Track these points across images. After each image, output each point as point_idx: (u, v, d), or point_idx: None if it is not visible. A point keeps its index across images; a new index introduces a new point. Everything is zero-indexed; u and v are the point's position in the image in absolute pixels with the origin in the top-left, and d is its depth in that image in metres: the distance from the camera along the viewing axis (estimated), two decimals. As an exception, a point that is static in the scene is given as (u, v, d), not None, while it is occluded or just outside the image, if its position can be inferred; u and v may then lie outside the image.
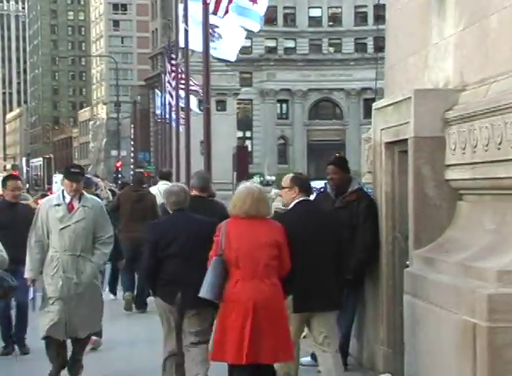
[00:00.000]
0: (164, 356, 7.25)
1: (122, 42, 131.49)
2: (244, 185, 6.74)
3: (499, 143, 6.00)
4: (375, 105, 8.36)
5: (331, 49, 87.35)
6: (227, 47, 26.72)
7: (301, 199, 7.28)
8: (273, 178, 72.51)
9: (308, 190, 7.46)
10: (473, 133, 6.43)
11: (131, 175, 53.07)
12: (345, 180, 8.42)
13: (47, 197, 8.49)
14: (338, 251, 7.10)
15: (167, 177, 15.80)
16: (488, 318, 5.42)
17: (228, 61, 35.13)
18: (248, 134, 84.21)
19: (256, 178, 68.30)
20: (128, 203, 13.09)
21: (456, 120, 6.78)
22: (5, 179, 10.00)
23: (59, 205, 8.05)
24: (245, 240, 6.42)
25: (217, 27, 24.11)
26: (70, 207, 8.06)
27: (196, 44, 24.97)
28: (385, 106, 7.98)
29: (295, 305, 6.96)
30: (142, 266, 7.97)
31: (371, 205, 8.22)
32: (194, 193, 8.61)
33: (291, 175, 7.89)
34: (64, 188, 8.14)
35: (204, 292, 6.42)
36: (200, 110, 29.55)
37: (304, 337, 9.97)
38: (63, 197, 8.10)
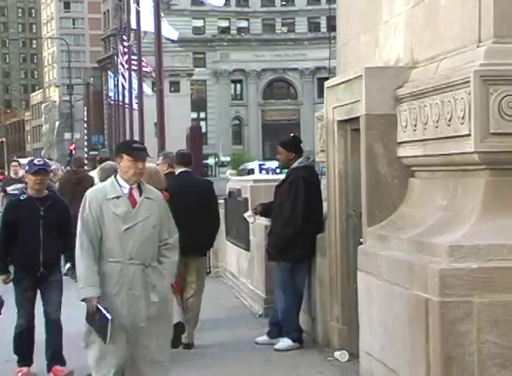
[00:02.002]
0: None
1: (73, 24, 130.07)
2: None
3: (450, 120, 6.04)
4: (327, 83, 8.37)
5: (284, 29, 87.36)
6: None
7: (179, 171, 9.08)
8: (228, 158, 72.65)
9: (182, 163, 9.14)
10: (423, 110, 6.46)
11: (75, 158, 52.59)
12: (288, 159, 8.79)
13: (94, 187, 6.34)
14: (208, 211, 8.92)
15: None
16: (440, 293, 5.47)
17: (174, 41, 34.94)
18: (202, 115, 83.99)
19: (211, 159, 68.22)
20: (69, 185, 13.51)
21: (406, 97, 6.81)
22: None
23: (117, 198, 5.96)
24: None
25: None
26: (132, 201, 5.99)
27: (147, 25, 24.80)
28: (337, 84, 7.99)
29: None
30: None
31: (293, 183, 8.49)
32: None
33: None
34: (120, 172, 6.04)
35: None
36: (154, 91, 29.38)
37: (259, 316, 10.04)
38: (119, 185, 6.02)
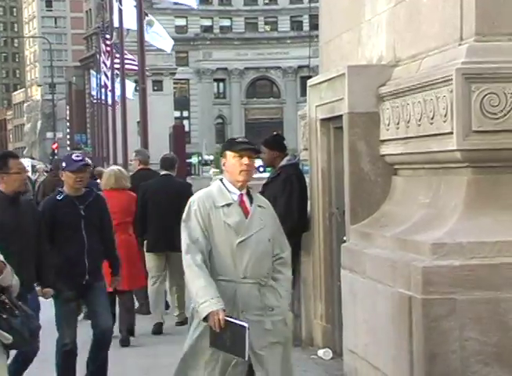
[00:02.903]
0: None
1: (55, 23, 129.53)
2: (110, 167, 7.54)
3: (432, 118, 6.06)
4: (310, 82, 8.38)
5: (267, 28, 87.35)
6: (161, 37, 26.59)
7: (161, 174, 9.97)
8: (211, 157, 72.54)
9: (163, 167, 10.01)
10: (406, 108, 6.48)
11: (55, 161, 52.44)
12: (273, 158, 8.71)
13: (198, 194, 5.37)
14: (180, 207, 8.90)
15: None
16: (423, 290, 5.49)
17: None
18: (185, 114, 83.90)
19: (194, 158, 68.15)
20: (49, 189, 13.40)
21: (389, 95, 6.82)
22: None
23: (228, 205, 5.18)
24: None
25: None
26: (244, 209, 5.24)
27: (130, 23, 24.74)
28: (320, 82, 8.00)
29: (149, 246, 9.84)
30: None
31: (287, 179, 8.45)
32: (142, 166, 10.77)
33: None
34: (227, 175, 5.28)
35: None
36: (136, 90, 29.31)
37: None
38: (228, 191, 5.25)
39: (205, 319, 4.98)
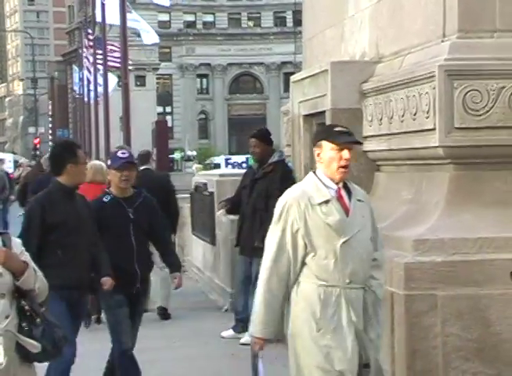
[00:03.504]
0: None
1: (38, 17, 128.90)
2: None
3: (415, 114, 6.08)
4: (293, 78, 8.38)
5: (250, 23, 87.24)
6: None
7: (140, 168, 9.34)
8: (194, 153, 72.44)
9: (140, 163, 9.84)
10: (389, 105, 6.49)
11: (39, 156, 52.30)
12: (266, 152, 8.48)
13: (291, 190, 4.79)
14: (166, 200, 9.28)
15: None
16: (405, 286, 5.50)
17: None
18: (168, 109, 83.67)
19: (177, 154, 67.98)
20: (33, 184, 13.38)
21: (372, 92, 6.84)
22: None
23: (326, 203, 4.58)
24: None
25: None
26: (343, 205, 4.62)
27: (113, 18, 24.66)
28: (303, 78, 8.00)
29: None
30: None
31: (285, 177, 8.32)
32: None
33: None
34: (322, 167, 4.68)
35: None
36: (119, 86, 29.24)
37: (225, 310, 10.04)
38: (325, 185, 4.64)
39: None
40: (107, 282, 6.09)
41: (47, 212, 5.94)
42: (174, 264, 6.66)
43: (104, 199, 6.43)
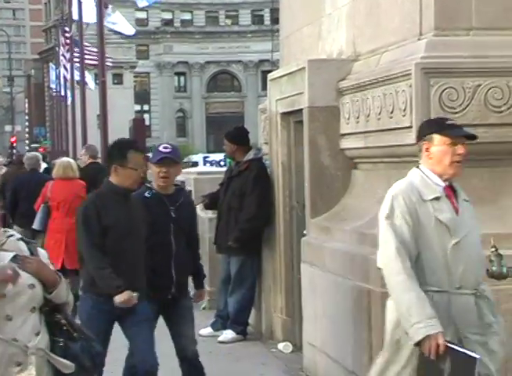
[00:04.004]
0: None
1: (14, 15, 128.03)
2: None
3: (391, 112, 6.09)
4: (270, 76, 8.38)
5: (228, 21, 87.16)
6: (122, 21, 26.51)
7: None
8: (172, 151, 72.36)
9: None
10: (366, 102, 6.51)
11: (27, 151, 52.03)
12: (237, 151, 8.60)
13: (398, 184, 4.50)
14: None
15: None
16: (381, 284, 5.50)
17: (127, 36, 34.82)
18: (146, 107, 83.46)
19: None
20: (11, 182, 13.39)
21: (349, 89, 6.85)
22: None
23: (437, 199, 4.34)
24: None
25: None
26: (452, 204, 4.39)
27: (90, 16, 24.57)
28: (280, 76, 8.00)
29: None
30: None
31: (259, 175, 8.35)
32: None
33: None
34: (430, 163, 4.43)
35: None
36: (96, 83, 29.14)
37: (203, 308, 10.02)
38: (433, 182, 4.40)
39: (417, 343, 4.12)
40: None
41: (101, 214, 5.57)
42: (200, 279, 6.36)
43: (146, 194, 5.99)
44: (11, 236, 3.79)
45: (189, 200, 6.33)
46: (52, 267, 3.85)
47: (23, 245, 3.78)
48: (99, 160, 13.29)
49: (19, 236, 3.83)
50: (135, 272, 5.60)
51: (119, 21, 27.13)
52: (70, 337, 3.78)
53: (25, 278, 3.64)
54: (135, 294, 5.53)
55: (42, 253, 3.88)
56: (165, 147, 6.04)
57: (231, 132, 8.92)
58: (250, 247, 8.45)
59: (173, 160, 5.99)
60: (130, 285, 5.53)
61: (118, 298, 5.49)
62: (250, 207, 8.32)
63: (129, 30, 28.60)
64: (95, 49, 25.74)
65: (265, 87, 8.78)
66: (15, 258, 3.67)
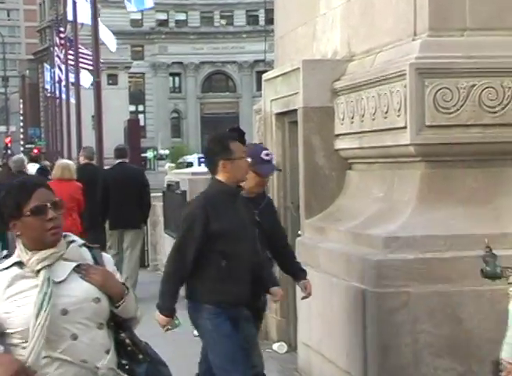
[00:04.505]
0: None
1: (8, 15, 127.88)
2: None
3: (386, 112, 6.09)
4: (265, 76, 8.38)
5: (223, 22, 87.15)
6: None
7: (117, 162, 11.42)
8: (167, 152, 72.27)
9: (117, 157, 11.52)
10: (360, 103, 6.51)
11: (21, 152, 51.98)
12: None
13: None
14: (140, 192, 11.08)
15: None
16: (376, 284, 5.52)
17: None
18: (141, 108, 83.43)
19: (150, 153, 67.68)
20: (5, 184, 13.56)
21: (344, 90, 6.85)
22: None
23: None
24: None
25: None
26: None
27: (84, 17, 24.54)
28: (275, 77, 8.00)
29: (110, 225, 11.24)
30: None
31: None
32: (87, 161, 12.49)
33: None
34: None
35: None
36: (91, 84, 29.10)
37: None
38: None
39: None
40: (278, 292, 5.64)
41: (211, 218, 5.13)
42: (300, 270, 5.99)
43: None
44: (72, 241, 3.38)
45: (271, 202, 6.10)
46: (118, 276, 3.46)
47: (85, 252, 3.39)
48: (94, 162, 13.42)
49: (81, 241, 3.42)
50: (244, 279, 5.24)
51: (105, 35, 27.24)
52: (135, 358, 3.37)
53: (89, 291, 3.27)
54: (171, 328, 5.36)
55: (107, 259, 3.48)
56: (267, 155, 5.84)
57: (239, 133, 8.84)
58: None
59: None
60: (238, 294, 5.19)
61: (157, 317, 5.40)
62: None
63: (112, 45, 28.74)
64: (90, 53, 25.78)
65: (259, 87, 8.76)
66: (78, 268, 3.30)
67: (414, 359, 5.49)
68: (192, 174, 11.81)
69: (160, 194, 13.37)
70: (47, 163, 20.51)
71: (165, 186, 13.11)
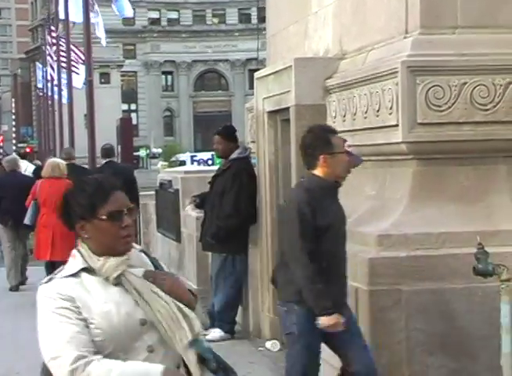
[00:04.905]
0: None
1: (0, 14, 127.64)
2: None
3: (378, 110, 6.10)
4: (257, 74, 8.38)
5: (215, 20, 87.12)
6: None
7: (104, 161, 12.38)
8: (159, 150, 72.24)
9: (104, 156, 12.71)
10: (352, 101, 6.51)
11: (14, 151, 51.89)
12: (229, 149, 8.58)
13: None
14: (128, 188, 10.55)
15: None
16: (369, 282, 5.52)
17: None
18: (133, 107, 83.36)
19: (142, 151, 67.64)
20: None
21: (336, 88, 6.85)
22: None
23: None
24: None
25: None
26: None
27: (76, 15, 24.52)
28: (267, 75, 8.00)
29: None
30: None
31: (237, 174, 8.39)
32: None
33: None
34: None
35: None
36: (83, 83, 29.07)
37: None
38: None
39: None
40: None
41: (316, 214, 4.95)
42: None
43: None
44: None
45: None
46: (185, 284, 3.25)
47: (145, 258, 3.21)
48: (75, 161, 13.49)
49: (139, 247, 3.23)
50: (344, 279, 5.10)
51: (100, 28, 27.37)
52: (210, 368, 3.23)
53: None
54: (342, 320, 4.94)
55: (164, 267, 3.34)
56: (349, 146, 5.43)
57: (225, 130, 8.87)
58: (231, 245, 8.48)
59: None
60: (339, 295, 5.05)
61: (324, 321, 4.92)
62: (226, 205, 8.41)
63: (103, 40, 29.06)
64: (81, 53, 25.80)
65: (252, 85, 8.77)
66: (145, 275, 3.07)
67: (407, 357, 5.50)
68: (184, 172, 11.79)
69: (153, 193, 13.36)
70: (38, 162, 20.53)
71: (158, 184, 13.10)
